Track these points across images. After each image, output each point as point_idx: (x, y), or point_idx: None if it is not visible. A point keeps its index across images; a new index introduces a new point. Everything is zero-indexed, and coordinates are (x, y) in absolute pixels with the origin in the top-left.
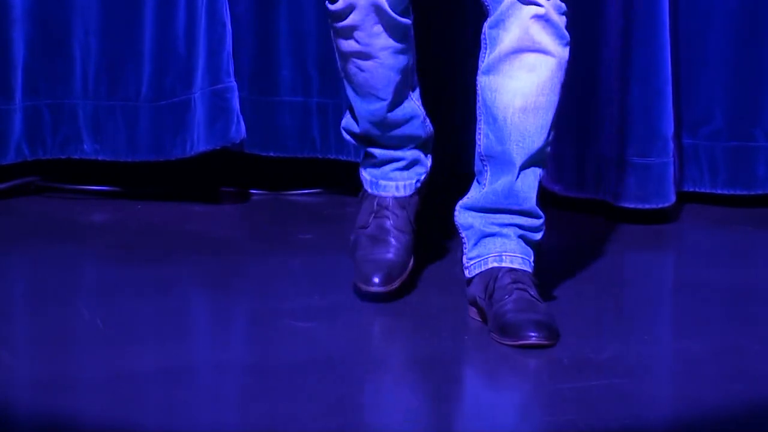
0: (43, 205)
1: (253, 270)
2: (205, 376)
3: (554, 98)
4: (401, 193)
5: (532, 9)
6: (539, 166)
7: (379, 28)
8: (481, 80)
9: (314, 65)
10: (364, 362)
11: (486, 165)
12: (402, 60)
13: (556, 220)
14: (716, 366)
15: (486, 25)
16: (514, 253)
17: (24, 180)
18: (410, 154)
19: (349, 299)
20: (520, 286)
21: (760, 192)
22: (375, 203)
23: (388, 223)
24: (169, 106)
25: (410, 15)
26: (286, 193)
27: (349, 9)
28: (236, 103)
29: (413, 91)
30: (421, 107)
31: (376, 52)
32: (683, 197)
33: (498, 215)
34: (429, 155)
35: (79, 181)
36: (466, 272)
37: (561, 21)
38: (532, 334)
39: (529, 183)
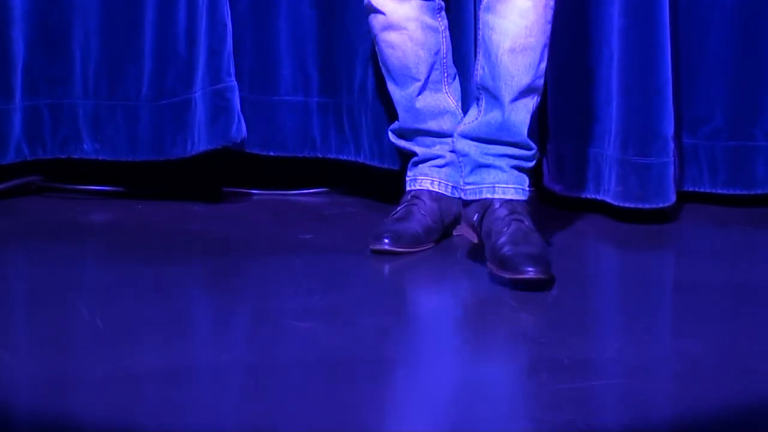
0: (43, 205)
1: (253, 270)
2: (206, 376)
3: (542, 37)
4: (435, 188)
5: None
6: (530, 98)
7: None
8: (482, 16)
9: (314, 64)
10: (364, 362)
11: (481, 94)
12: (432, 40)
13: (556, 220)
14: (716, 366)
15: None
16: (507, 184)
17: (24, 180)
18: (450, 156)
19: (349, 299)
20: (515, 216)
21: (759, 191)
22: (409, 196)
23: (416, 209)
24: (169, 105)
25: None
26: (286, 192)
27: None
28: (237, 103)
29: (448, 85)
30: (459, 110)
31: (402, 22)
32: (683, 197)
33: (491, 146)
34: None
35: (79, 181)
36: (463, 194)
37: None
38: (530, 269)
39: (519, 117)
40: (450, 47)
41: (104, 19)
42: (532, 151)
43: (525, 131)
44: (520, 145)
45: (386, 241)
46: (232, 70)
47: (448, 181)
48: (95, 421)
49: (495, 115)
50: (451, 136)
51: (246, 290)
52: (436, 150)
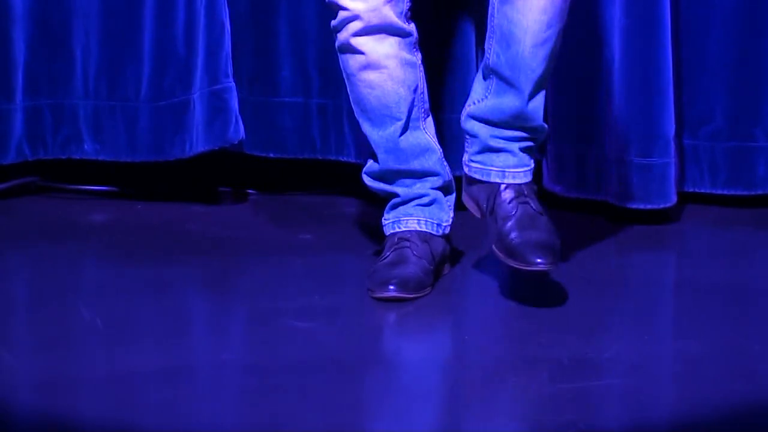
0: (43, 205)
1: (253, 270)
2: (205, 376)
3: (560, 25)
4: (423, 228)
5: None
6: (546, 82)
7: (383, 36)
8: (499, 6)
9: (314, 66)
10: (364, 362)
11: (493, 77)
12: (411, 76)
13: (556, 220)
14: (716, 366)
15: None
16: (517, 168)
17: (24, 180)
18: (432, 193)
19: (349, 299)
20: (522, 199)
21: (760, 192)
22: (396, 238)
23: (409, 252)
24: (168, 106)
25: (412, 22)
26: (286, 193)
27: (352, 17)
28: (234, 104)
29: (424, 121)
30: (438, 145)
31: (382, 60)
32: (684, 197)
33: (505, 131)
34: (451, 205)
35: (79, 181)
36: (466, 169)
37: None
38: (539, 260)
39: (536, 105)
40: (426, 82)
41: (104, 19)
42: (545, 133)
43: (541, 116)
44: (535, 129)
45: (392, 287)
46: (230, 71)
47: (434, 219)
48: (95, 421)
49: (509, 102)
50: (434, 174)
51: (246, 290)
52: (417, 189)
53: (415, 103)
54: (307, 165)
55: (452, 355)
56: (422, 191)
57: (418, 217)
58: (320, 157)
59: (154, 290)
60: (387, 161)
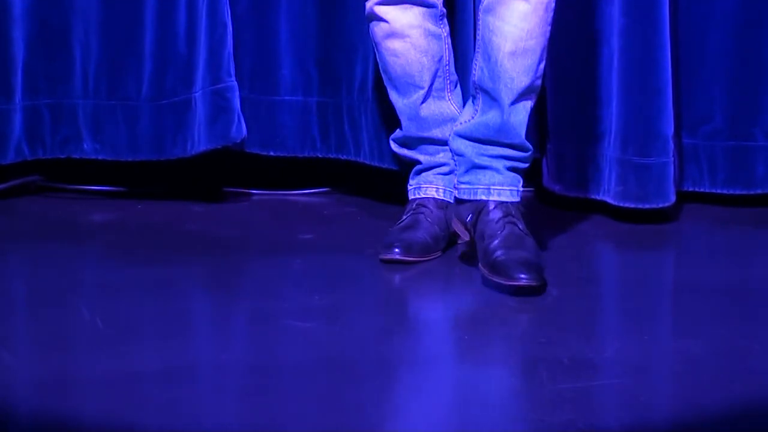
0: (43, 205)
1: (253, 270)
2: (206, 376)
3: (542, 39)
4: (440, 195)
5: None
6: (528, 100)
7: (407, 5)
8: (482, 17)
9: (314, 64)
10: (364, 362)
11: (479, 94)
12: (435, 47)
13: (556, 219)
14: (716, 366)
15: None
16: (502, 186)
17: (24, 180)
18: (452, 163)
19: (349, 299)
20: (510, 219)
21: (759, 191)
22: (415, 204)
23: (423, 218)
24: (169, 105)
25: None
26: (286, 192)
27: None
28: (237, 103)
29: (451, 92)
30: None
31: (405, 30)
32: (683, 197)
33: (489, 147)
34: None
35: (79, 181)
36: (456, 192)
37: None
38: (522, 275)
39: (518, 119)
40: (452, 54)
41: (104, 18)
42: (529, 153)
43: (523, 132)
44: (517, 146)
45: (397, 250)
46: (232, 70)
47: (451, 186)
48: (95, 421)
49: (493, 117)
50: None
51: (246, 290)
52: (440, 158)
53: (438, 74)
54: (307, 163)
55: (452, 356)
56: (445, 160)
57: (437, 185)
58: (320, 156)
59: (155, 290)
60: (409, 128)
